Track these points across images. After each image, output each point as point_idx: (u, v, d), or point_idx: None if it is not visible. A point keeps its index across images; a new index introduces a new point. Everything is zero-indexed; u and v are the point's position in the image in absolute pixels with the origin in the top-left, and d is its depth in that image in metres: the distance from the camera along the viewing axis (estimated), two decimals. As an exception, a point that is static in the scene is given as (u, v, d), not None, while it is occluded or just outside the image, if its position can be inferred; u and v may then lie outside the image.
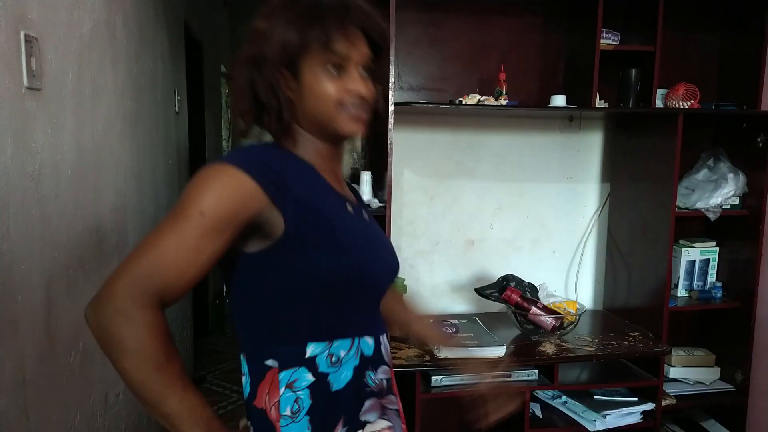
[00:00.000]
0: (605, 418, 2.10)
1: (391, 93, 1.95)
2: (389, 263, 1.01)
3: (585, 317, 2.41)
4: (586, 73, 2.18)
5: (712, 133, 2.53)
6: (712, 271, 2.47)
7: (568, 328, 2.14)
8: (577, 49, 2.30)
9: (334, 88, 0.89)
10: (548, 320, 2.07)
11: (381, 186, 2.05)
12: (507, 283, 2.19)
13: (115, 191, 1.89)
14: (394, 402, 0.99)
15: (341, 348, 0.91)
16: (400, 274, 2.17)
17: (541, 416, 2.17)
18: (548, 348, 2.06)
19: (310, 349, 0.89)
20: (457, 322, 2.14)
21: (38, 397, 1.28)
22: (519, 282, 2.22)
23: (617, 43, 2.22)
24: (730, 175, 2.32)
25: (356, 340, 0.93)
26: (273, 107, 0.90)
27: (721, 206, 2.30)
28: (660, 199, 2.24)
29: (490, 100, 2.10)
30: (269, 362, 0.90)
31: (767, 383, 2.38)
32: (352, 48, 0.89)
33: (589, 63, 2.16)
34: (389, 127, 1.95)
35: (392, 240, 2.10)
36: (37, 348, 1.28)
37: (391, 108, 1.95)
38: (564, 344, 2.10)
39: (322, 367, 0.89)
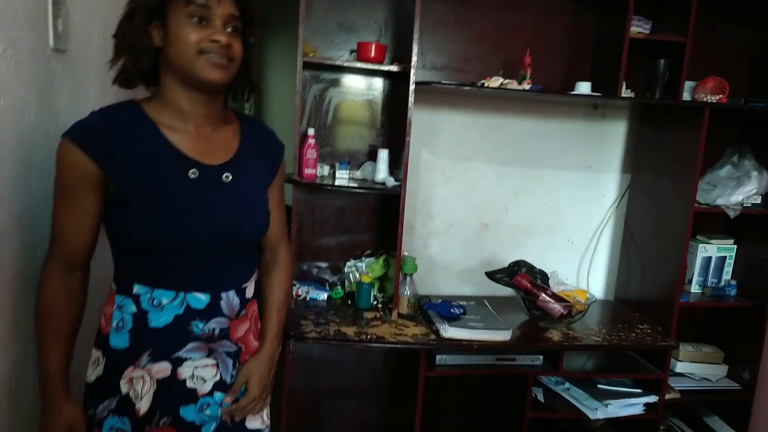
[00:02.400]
0: (607, 407, 2.11)
1: (412, 71, 1.94)
2: (219, 229, 1.09)
3: (595, 307, 2.41)
4: (613, 61, 2.14)
5: (740, 129, 2.48)
6: (728, 269, 2.44)
7: (577, 316, 2.14)
8: (607, 36, 2.25)
9: (195, 36, 1.01)
10: (556, 307, 2.08)
11: (398, 164, 2.06)
12: (518, 268, 2.19)
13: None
14: (228, 345, 1.15)
15: (164, 297, 1.08)
16: (410, 252, 2.20)
17: (543, 401, 2.19)
18: (555, 335, 2.06)
19: (136, 289, 1.09)
20: (465, 303, 2.15)
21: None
22: (530, 268, 2.21)
23: (648, 32, 2.17)
24: (754, 173, 2.27)
25: (181, 294, 1.09)
26: (133, 50, 1.04)
27: (742, 204, 2.26)
28: (680, 193, 2.20)
29: (513, 84, 2.08)
30: (112, 285, 1.12)
31: (775, 384, 2.36)
32: (215, 2, 1.01)
33: (617, 51, 2.11)
34: (409, 106, 1.95)
35: (406, 219, 2.11)
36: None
37: (411, 87, 1.94)
38: (571, 332, 2.11)
39: (144, 305, 1.08)
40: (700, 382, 2.42)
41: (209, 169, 1.09)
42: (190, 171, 1.08)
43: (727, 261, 2.43)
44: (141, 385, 1.09)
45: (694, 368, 2.44)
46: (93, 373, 1.13)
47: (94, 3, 1.46)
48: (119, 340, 1.09)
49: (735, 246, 2.43)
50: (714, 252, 2.42)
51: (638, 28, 2.15)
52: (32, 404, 1.23)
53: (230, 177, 1.12)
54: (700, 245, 2.40)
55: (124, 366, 1.09)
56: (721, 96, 2.17)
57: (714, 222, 2.50)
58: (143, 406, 1.09)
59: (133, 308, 1.09)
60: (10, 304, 1.13)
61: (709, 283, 2.44)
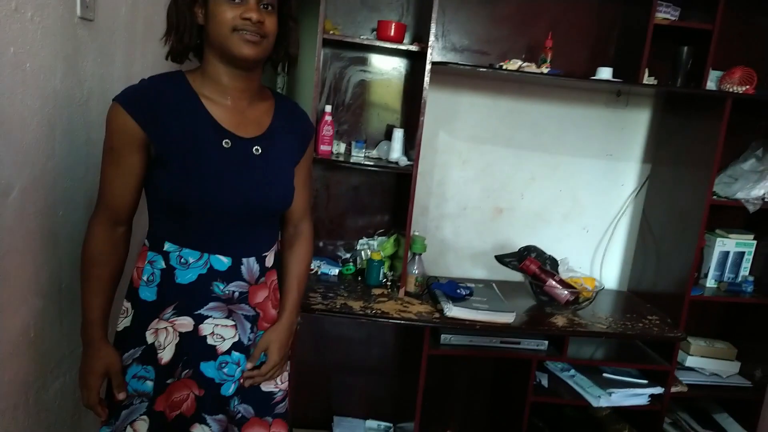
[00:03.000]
0: (611, 395, 2.12)
1: (429, 52, 1.95)
2: (245, 199, 1.16)
3: (605, 296, 2.40)
4: (637, 47, 2.11)
5: (767, 122, 2.41)
6: (746, 265, 2.41)
7: (584, 303, 2.14)
8: (632, 21, 2.21)
9: (230, 14, 1.07)
10: (563, 293, 2.09)
11: (413, 145, 2.08)
12: (527, 253, 2.20)
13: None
14: (246, 309, 1.22)
15: (190, 256, 1.17)
16: (423, 233, 2.23)
17: (547, 386, 2.21)
18: (560, 320, 2.08)
19: (166, 246, 1.17)
20: (472, 285, 2.17)
21: (72, 305, 1.40)
22: (540, 254, 2.22)
23: (676, 18, 2.13)
24: (778, 168, 2.23)
25: (206, 255, 1.17)
26: (178, 29, 1.12)
27: (763, 199, 2.22)
28: (698, 185, 2.18)
29: (532, 67, 2.07)
30: (146, 242, 1.21)
31: (787, 384, 2.33)
32: None
33: (641, 36, 2.08)
34: (424, 86, 1.96)
35: (419, 200, 2.14)
36: (74, 260, 1.40)
37: (428, 67, 1.95)
38: (576, 319, 2.11)
39: (172, 262, 1.17)
40: (709, 377, 2.40)
41: (241, 140, 1.17)
42: (224, 141, 1.15)
43: (746, 256, 2.40)
44: (165, 335, 1.17)
45: (705, 363, 2.42)
46: (122, 322, 1.22)
47: (121, -26, 1.51)
48: (148, 293, 1.18)
49: (755, 241, 2.39)
50: (732, 246, 2.38)
51: (665, 14, 2.11)
52: (49, 353, 1.31)
53: (260, 150, 1.19)
54: (719, 239, 2.37)
55: (151, 318, 1.18)
56: (748, 87, 2.12)
57: (735, 216, 2.46)
58: (165, 355, 1.17)
59: (162, 264, 1.17)
60: (31, 258, 1.21)
61: (725, 278, 2.41)
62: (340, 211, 2.38)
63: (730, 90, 2.13)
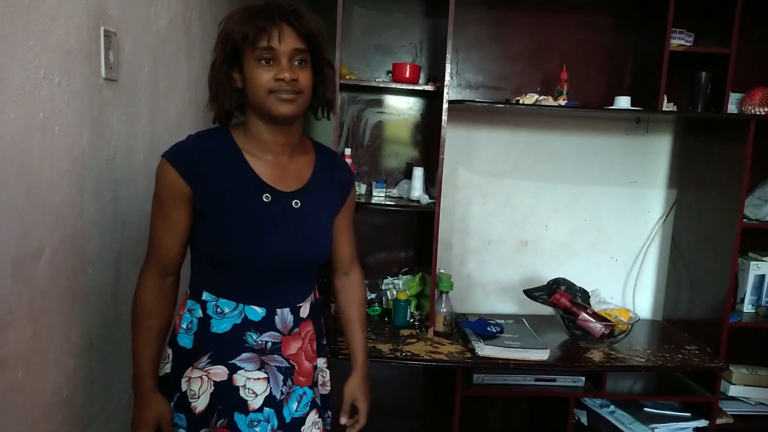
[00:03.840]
0: (653, 431, 2.04)
1: (446, 91, 1.96)
2: (281, 252, 1.18)
3: (641, 327, 2.34)
4: (653, 75, 2.10)
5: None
6: (784, 289, 2.33)
7: (619, 336, 2.08)
8: (647, 49, 2.21)
9: (265, 77, 1.10)
10: (597, 327, 2.03)
11: (433, 182, 2.08)
12: (557, 286, 2.16)
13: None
14: (279, 361, 1.22)
15: (226, 306, 1.19)
16: (447, 270, 2.21)
17: (586, 424, 2.13)
18: (596, 355, 2.01)
19: (204, 296, 1.20)
20: (502, 322, 2.13)
21: (102, 362, 1.40)
22: (570, 286, 2.18)
23: (690, 44, 2.12)
24: (809, 187, 2.17)
25: (241, 306, 1.19)
26: (218, 96, 1.15)
27: (796, 220, 2.16)
28: (727, 209, 2.13)
29: (549, 100, 2.07)
30: (187, 290, 1.25)
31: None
32: (277, 41, 1.08)
33: (657, 64, 2.08)
34: (442, 124, 1.97)
35: (442, 236, 2.12)
36: (104, 317, 1.41)
37: (445, 105, 1.97)
38: (613, 353, 2.05)
39: (209, 311, 1.19)
40: (755, 407, 2.29)
41: (281, 194, 1.19)
42: (264, 195, 1.17)
43: (783, 281, 2.32)
44: (199, 384, 1.17)
45: (749, 392, 2.32)
46: (163, 368, 1.23)
47: (143, 35, 1.56)
48: (186, 341, 1.20)
49: (789, 266, 2.32)
50: (767, 270, 2.31)
51: (680, 40, 2.11)
52: (81, 412, 1.30)
53: (299, 203, 1.20)
54: (752, 263, 2.30)
55: (187, 365, 1.19)
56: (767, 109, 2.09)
57: (765, 238, 2.39)
58: (200, 404, 1.17)
59: (199, 313, 1.20)
60: (63, 318, 1.21)
61: (763, 302, 2.33)
62: (363, 252, 2.36)
63: (752, 111, 2.10)
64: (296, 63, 1.12)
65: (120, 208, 1.46)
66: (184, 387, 1.19)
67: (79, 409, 1.29)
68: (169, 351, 1.23)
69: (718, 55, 2.07)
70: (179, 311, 1.24)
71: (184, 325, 1.21)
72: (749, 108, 2.12)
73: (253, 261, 1.16)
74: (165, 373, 1.22)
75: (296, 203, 1.20)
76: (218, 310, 1.18)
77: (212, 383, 1.17)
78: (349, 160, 2.11)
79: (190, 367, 1.18)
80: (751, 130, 2.02)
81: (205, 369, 1.17)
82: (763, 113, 2.09)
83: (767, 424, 2.27)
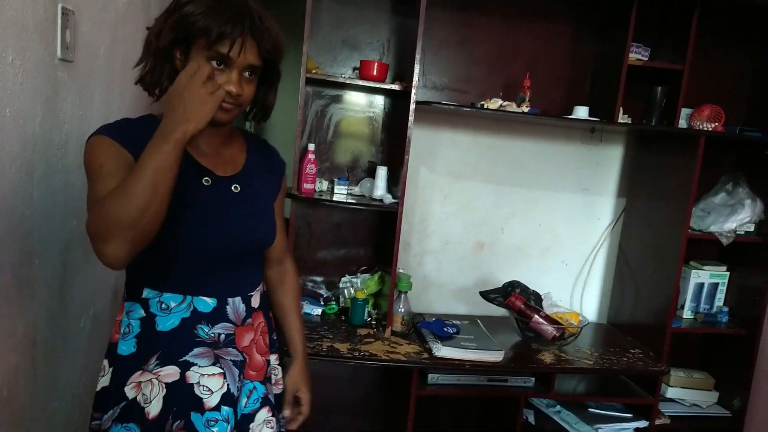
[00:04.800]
0: (597, 431, 2.12)
1: (413, 92, 1.96)
2: (229, 236, 1.13)
3: (587, 330, 2.41)
4: (611, 87, 2.17)
5: (735, 156, 2.51)
6: (720, 296, 2.46)
7: (569, 339, 2.15)
8: (606, 61, 2.28)
9: None
10: (549, 329, 2.08)
11: (396, 181, 2.07)
12: (512, 289, 2.20)
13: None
14: (234, 354, 1.16)
15: (171, 300, 1.11)
16: (405, 269, 2.21)
17: (534, 423, 2.19)
18: (547, 357, 2.07)
19: (145, 293, 1.11)
20: (459, 323, 2.15)
21: (47, 357, 1.33)
22: (524, 289, 2.22)
23: (647, 59, 2.20)
24: (748, 201, 2.30)
25: (189, 298, 1.12)
26: (155, 70, 1.06)
27: (735, 231, 2.29)
28: (674, 219, 2.23)
29: (512, 106, 2.11)
30: (124, 292, 1.15)
31: (765, 412, 2.37)
32: (237, 53, 1.02)
33: (615, 76, 2.15)
34: (409, 125, 1.97)
35: (402, 236, 2.12)
36: (49, 310, 1.33)
37: (412, 106, 1.96)
38: (563, 355, 2.11)
39: (153, 309, 1.11)
40: (690, 408, 2.42)
41: (220, 179, 1.14)
42: (204, 179, 1.12)
43: (720, 288, 2.45)
44: (150, 388, 1.10)
45: (685, 394, 2.44)
46: (100, 382, 1.14)
47: (102, 15, 1.48)
48: (125, 347, 1.11)
49: (728, 273, 2.45)
50: (707, 278, 2.44)
51: (637, 54, 2.19)
52: (23, 411, 1.23)
53: (239, 188, 1.16)
54: (693, 271, 2.42)
55: (131, 372, 1.10)
56: (716, 124, 2.20)
57: (707, 248, 2.52)
58: (153, 409, 1.09)
59: (141, 312, 1.11)
60: (7, 310, 1.14)
61: (701, 309, 2.45)
62: (322, 249, 2.34)
63: (700, 127, 2.20)
64: (246, 74, 1.06)
65: (71, 196, 1.39)
66: (131, 394, 1.10)
67: (20, 407, 1.21)
68: (105, 362, 1.14)
69: (672, 70, 2.16)
70: (116, 318, 1.15)
71: (121, 331, 1.12)
72: (698, 123, 2.22)
73: (201, 246, 1.10)
74: (102, 387, 1.13)
75: (236, 188, 1.15)
76: (163, 306, 1.11)
77: (164, 386, 1.10)
78: (312, 156, 2.07)
79: (139, 371, 1.10)
80: (701, 145, 2.12)
81: (155, 371, 1.10)
82: (711, 129, 2.19)
83: (700, 425, 2.39)
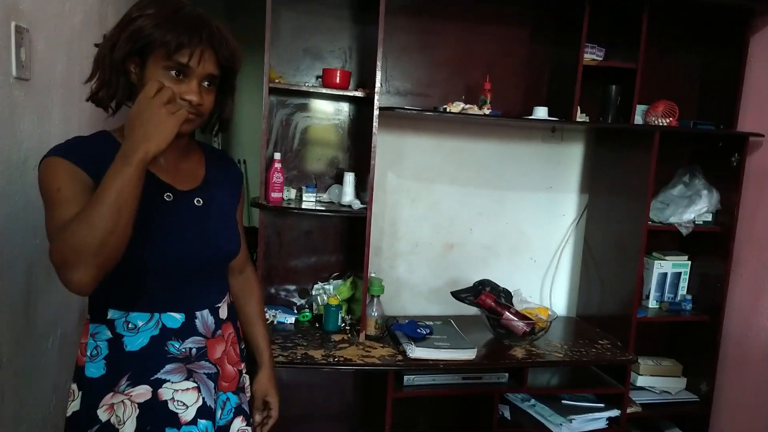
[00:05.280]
0: (571, 422, 2.16)
1: (376, 98, 1.99)
2: (195, 250, 1.14)
3: (557, 324, 2.47)
4: (568, 87, 2.24)
5: (690, 149, 2.60)
6: (683, 284, 2.54)
7: (539, 333, 2.19)
8: (562, 62, 2.35)
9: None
10: (520, 325, 2.13)
11: (364, 187, 2.09)
12: (482, 287, 2.24)
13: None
14: (207, 367, 1.17)
15: (138, 319, 1.10)
16: (377, 273, 2.23)
17: (509, 418, 2.22)
18: (519, 352, 2.11)
19: (110, 314, 1.10)
20: (431, 323, 2.18)
21: (14, 380, 1.30)
22: (494, 287, 2.26)
23: (601, 59, 2.28)
24: (705, 192, 2.39)
25: (156, 315, 1.12)
26: (110, 84, 1.05)
27: (694, 222, 2.37)
28: (634, 212, 2.30)
29: (474, 109, 2.15)
30: (88, 315, 1.13)
31: (731, 395, 2.45)
32: (197, 62, 1.03)
33: (572, 77, 2.21)
34: (374, 131, 1.99)
35: (372, 241, 2.14)
36: (14, 332, 1.31)
37: (376, 112, 1.99)
38: (534, 349, 2.15)
39: (119, 329, 1.10)
40: (660, 395, 2.49)
41: (182, 193, 1.14)
42: (165, 194, 1.11)
43: (682, 277, 2.53)
44: (122, 410, 1.08)
45: (655, 381, 2.51)
46: (70, 407, 1.13)
47: (58, 32, 1.47)
48: (94, 369, 1.09)
49: (689, 262, 2.54)
50: (669, 268, 2.52)
51: (592, 55, 2.26)
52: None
53: (201, 201, 1.16)
54: (656, 262, 2.50)
55: (102, 394, 1.09)
56: (671, 119, 2.28)
57: (669, 240, 2.61)
58: (127, 430, 1.08)
59: (107, 334, 1.10)
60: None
61: (665, 299, 2.53)
62: (293, 257, 2.34)
63: (655, 122, 2.28)
64: (205, 84, 1.07)
65: (32, 215, 1.37)
66: (104, 417, 1.08)
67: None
68: (74, 386, 1.12)
69: (626, 69, 2.23)
70: (81, 340, 1.13)
71: (88, 353, 1.10)
72: (653, 119, 2.30)
73: (167, 263, 1.10)
74: (73, 411, 1.11)
75: (198, 201, 1.16)
76: (130, 326, 1.09)
77: (136, 406, 1.09)
78: (278, 165, 2.08)
79: (110, 393, 1.08)
80: (656, 140, 2.20)
81: (126, 392, 1.09)
82: (666, 124, 2.27)
83: (669, 410, 2.47)
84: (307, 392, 2.40)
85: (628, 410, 2.30)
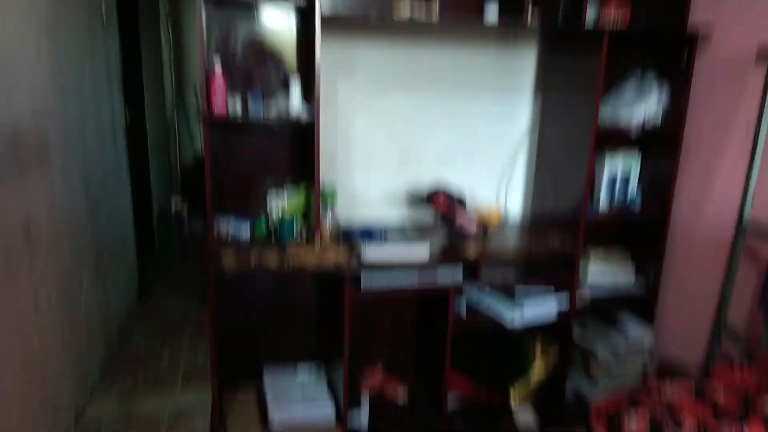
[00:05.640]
0: (523, 315, 2.27)
1: (317, 5, 1.92)
2: None
3: (511, 225, 2.55)
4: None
5: (642, 50, 2.60)
6: (633, 183, 2.61)
7: (492, 233, 2.26)
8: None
9: None
10: (473, 226, 2.19)
11: (311, 99, 2.06)
12: (437, 191, 2.28)
13: (31, 99, 1.85)
14: None
15: None
16: (332, 184, 2.24)
17: (465, 314, 2.32)
18: (472, 250, 2.18)
19: None
20: (386, 229, 2.23)
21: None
22: (448, 191, 2.31)
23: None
24: (654, 92, 2.41)
25: None
26: None
27: (644, 121, 2.41)
28: (585, 114, 2.32)
29: (422, 11, 2.08)
30: None
31: (675, 284, 2.61)
32: None
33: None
34: (316, 40, 1.94)
35: (327, 151, 2.12)
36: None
37: (318, 21, 1.92)
38: (487, 248, 2.23)
39: None
40: (610, 286, 2.61)
41: None
42: None
43: (633, 175, 2.60)
44: None
45: (604, 273, 2.62)
46: None
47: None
48: None
49: (639, 161, 2.60)
50: (620, 167, 2.57)
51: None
52: None
53: None
54: (607, 161, 2.55)
55: None
56: (621, 19, 2.26)
57: (617, 139, 2.65)
58: None
59: None
60: None
61: (616, 197, 2.61)
62: (244, 173, 2.34)
63: (606, 23, 2.25)
64: None
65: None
66: None
67: None
68: None
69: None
70: None
71: None
72: (604, 20, 2.27)
73: None
74: None
75: None
76: None
77: None
78: (219, 74, 2.03)
79: None
80: (605, 43, 2.19)
81: None
82: (616, 25, 2.24)
83: (619, 299, 2.61)
84: (266, 301, 2.47)
85: (579, 300, 2.41)
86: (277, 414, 2.21)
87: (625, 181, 2.61)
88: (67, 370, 2.28)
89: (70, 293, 2.35)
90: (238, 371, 2.49)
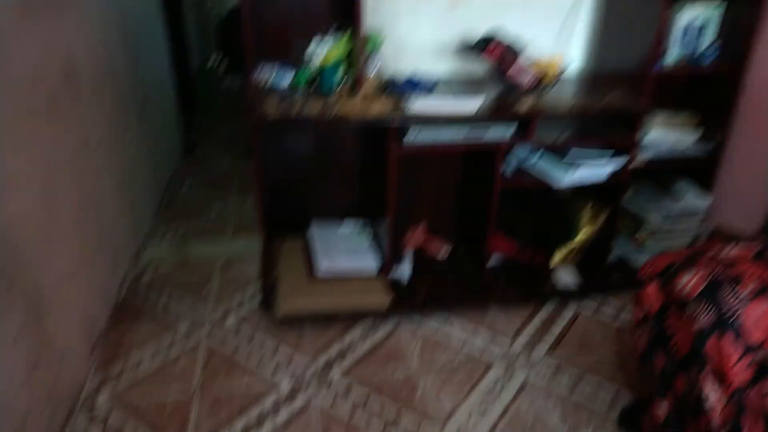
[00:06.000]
0: (575, 173, 2.17)
1: None
2: None
3: (570, 79, 2.36)
4: None
5: None
6: (710, 34, 2.34)
7: (549, 86, 2.10)
8: None
9: None
10: (528, 78, 2.03)
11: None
12: (491, 39, 2.09)
13: None
14: None
15: None
16: (378, 31, 2.08)
17: (512, 173, 2.24)
18: (525, 105, 2.04)
19: None
20: (435, 80, 2.09)
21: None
22: (503, 39, 2.11)
23: None
24: None
25: None
26: None
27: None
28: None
29: None
30: None
31: (741, 148, 2.43)
32: None
33: None
34: None
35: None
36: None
37: None
38: (542, 102, 2.08)
39: None
40: (668, 148, 2.46)
41: None
42: None
43: (710, 26, 2.32)
44: None
45: (666, 135, 2.46)
46: None
47: None
48: None
49: (717, 10, 2.29)
50: (696, 17, 2.29)
51: None
52: None
53: None
54: (683, 11, 2.26)
55: None
56: None
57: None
58: None
59: None
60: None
61: (690, 49, 2.35)
62: (284, 19, 2.19)
63: None
64: None
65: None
66: None
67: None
68: None
69: None
70: None
71: None
72: None
73: None
74: None
75: None
76: None
77: None
78: None
79: None
80: None
81: None
82: None
83: (680, 163, 2.45)
84: (311, 153, 2.44)
85: (636, 160, 2.28)
86: (323, 262, 2.27)
87: (700, 32, 2.33)
88: (121, 213, 2.38)
89: (119, 136, 2.38)
90: (285, 223, 2.54)
